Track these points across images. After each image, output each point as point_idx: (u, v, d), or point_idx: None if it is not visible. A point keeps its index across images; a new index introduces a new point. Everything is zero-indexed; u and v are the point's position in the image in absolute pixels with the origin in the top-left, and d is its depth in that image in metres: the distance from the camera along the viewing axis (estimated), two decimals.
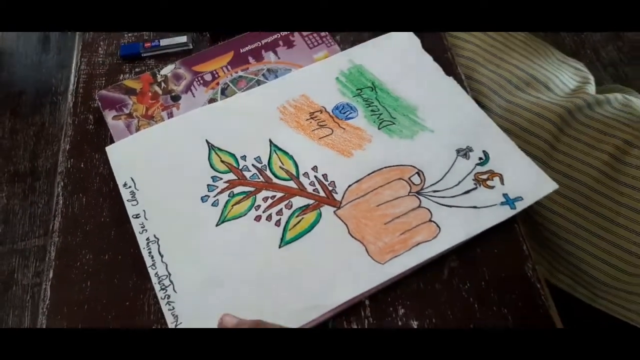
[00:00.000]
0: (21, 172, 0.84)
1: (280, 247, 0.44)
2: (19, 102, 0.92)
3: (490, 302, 0.42)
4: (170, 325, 0.41)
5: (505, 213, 0.45)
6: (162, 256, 0.44)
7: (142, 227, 0.46)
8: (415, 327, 0.41)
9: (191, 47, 0.58)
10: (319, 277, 0.43)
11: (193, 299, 0.42)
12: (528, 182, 0.46)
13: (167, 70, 0.56)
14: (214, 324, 0.39)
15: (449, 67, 0.55)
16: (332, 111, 0.52)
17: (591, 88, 0.59)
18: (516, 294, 0.42)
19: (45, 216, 0.80)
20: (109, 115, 0.53)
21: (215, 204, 0.47)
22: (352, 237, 0.45)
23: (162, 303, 0.42)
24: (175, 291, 0.43)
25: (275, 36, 0.58)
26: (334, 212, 0.46)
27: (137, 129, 0.52)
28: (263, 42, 0.58)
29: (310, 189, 0.47)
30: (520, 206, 0.45)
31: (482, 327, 0.41)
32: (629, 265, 0.51)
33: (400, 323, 0.42)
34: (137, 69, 0.58)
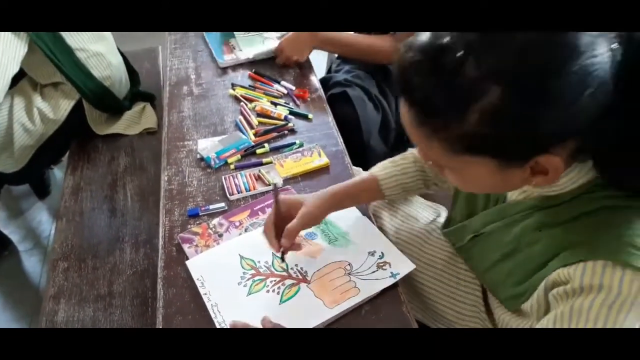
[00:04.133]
0: (102, 294, 1.27)
1: (280, 304, 0.88)
2: (98, 248, 1.37)
3: (385, 322, 0.85)
4: None
5: (392, 280, 0.90)
6: (219, 312, 0.87)
7: (208, 299, 0.89)
8: None
9: (226, 208, 1.07)
10: (300, 316, 0.86)
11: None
12: (402, 266, 0.92)
13: (215, 221, 1.04)
14: None
15: (365, 213, 1.04)
16: (304, 236, 0.99)
17: (441, 219, 1.08)
18: (396, 317, 0.86)
19: (120, 321, 1.21)
20: (185, 246, 0.99)
21: (245, 285, 0.91)
22: (316, 297, 0.89)
23: None
24: (226, 327, 0.85)
25: (273, 199, 1.07)
26: (307, 286, 0.91)
27: (201, 252, 0.97)
28: (265, 203, 1.07)
29: (294, 275, 0.92)
30: (398, 277, 0.91)
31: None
32: (462, 309, 0.95)
33: None
34: (197, 222, 1.05)
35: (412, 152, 1.00)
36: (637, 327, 0.59)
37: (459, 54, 0.54)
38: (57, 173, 2.27)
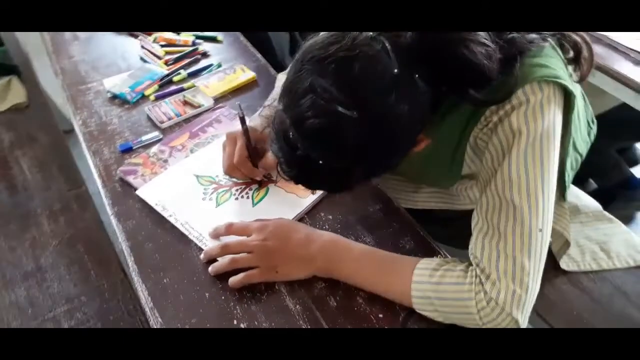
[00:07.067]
0: (29, 271, 1.12)
1: (253, 207, 0.85)
2: (8, 229, 1.21)
3: (358, 198, 0.87)
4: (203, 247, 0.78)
5: None
6: (193, 228, 0.82)
7: (175, 220, 0.83)
8: (322, 216, 0.84)
9: (161, 136, 0.99)
10: (277, 212, 0.83)
11: (211, 243, 0.80)
12: None
13: (154, 149, 0.96)
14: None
15: None
16: None
17: None
18: (370, 192, 0.88)
19: (61, 292, 1.08)
20: (130, 178, 0.90)
21: (210, 199, 0.86)
22: (288, 192, 0.87)
23: (199, 244, 0.79)
24: (205, 239, 0.80)
25: (211, 119, 1.02)
26: (275, 185, 0.88)
27: (150, 180, 0.90)
28: (204, 123, 1.01)
29: (259, 179, 0.89)
30: None
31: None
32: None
33: (321, 217, 0.84)
34: (133, 155, 0.96)
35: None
36: (555, 122, 0.66)
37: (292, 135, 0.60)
38: None
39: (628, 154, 1.76)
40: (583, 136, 0.90)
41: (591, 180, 1.72)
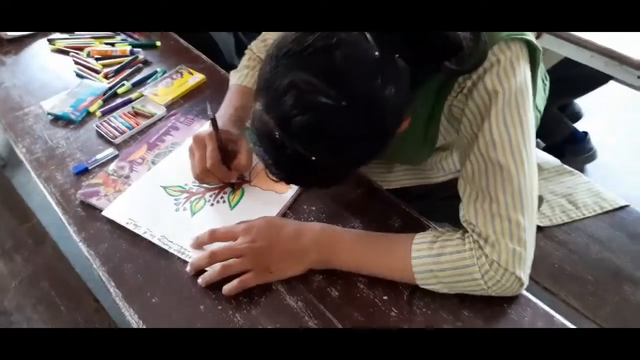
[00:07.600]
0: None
1: (231, 210, 0.81)
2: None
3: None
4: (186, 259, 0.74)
5: None
6: (171, 241, 0.77)
7: (152, 236, 0.78)
8: (305, 209, 0.81)
9: (117, 152, 0.93)
10: (258, 212, 0.80)
11: (195, 254, 0.75)
12: None
13: (112, 166, 0.90)
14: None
15: None
16: None
17: None
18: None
19: None
20: (92, 200, 0.84)
21: (184, 208, 0.82)
22: (265, 190, 0.84)
23: (182, 257, 0.75)
24: (187, 250, 0.76)
25: (167, 127, 0.96)
26: (250, 185, 0.85)
27: (115, 199, 0.84)
28: (160, 132, 0.96)
29: (232, 181, 0.85)
30: None
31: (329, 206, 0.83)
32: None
33: (304, 209, 0.81)
34: (90, 176, 0.89)
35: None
36: (526, 78, 0.66)
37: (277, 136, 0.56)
38: None
39: (568, 110, 1.84)
40: (540, 92, 0.92)
41: (539, 140, 1.79)
